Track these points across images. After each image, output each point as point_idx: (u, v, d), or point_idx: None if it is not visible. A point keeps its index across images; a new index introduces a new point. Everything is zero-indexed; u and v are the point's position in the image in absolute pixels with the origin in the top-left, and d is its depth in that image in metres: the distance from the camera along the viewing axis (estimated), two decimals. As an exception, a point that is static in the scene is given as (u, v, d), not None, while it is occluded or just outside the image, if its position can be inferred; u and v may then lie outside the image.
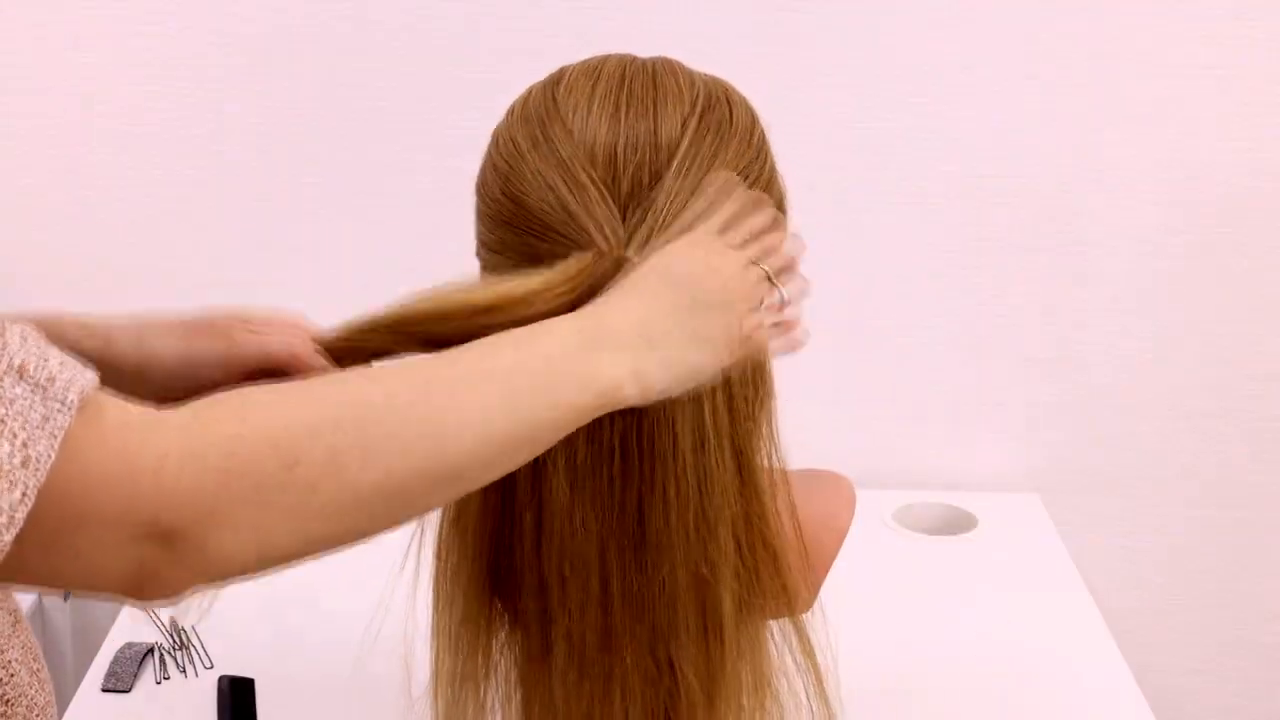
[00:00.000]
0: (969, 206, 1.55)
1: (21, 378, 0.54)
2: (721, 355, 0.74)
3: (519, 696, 0.88)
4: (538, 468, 0.79)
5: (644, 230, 0.78)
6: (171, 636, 1.28)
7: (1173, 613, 1.69)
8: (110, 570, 0.56)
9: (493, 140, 0.86)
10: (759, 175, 0.83)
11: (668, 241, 0.77)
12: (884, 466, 1.63)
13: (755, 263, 0.78)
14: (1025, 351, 1.60)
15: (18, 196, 1.54)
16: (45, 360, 0.55)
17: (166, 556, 0.56)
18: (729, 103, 0.84)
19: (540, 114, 0.83)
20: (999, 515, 1.57)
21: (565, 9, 1.48)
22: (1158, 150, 1.53)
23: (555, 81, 0.85)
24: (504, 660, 0.89)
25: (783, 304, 0.80)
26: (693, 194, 0.79)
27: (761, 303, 0.78)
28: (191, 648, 1.27)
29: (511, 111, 0.86)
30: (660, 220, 0.78)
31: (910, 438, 1.64)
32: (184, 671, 1.24)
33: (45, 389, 0.54)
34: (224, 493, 0.56)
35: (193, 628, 1.29)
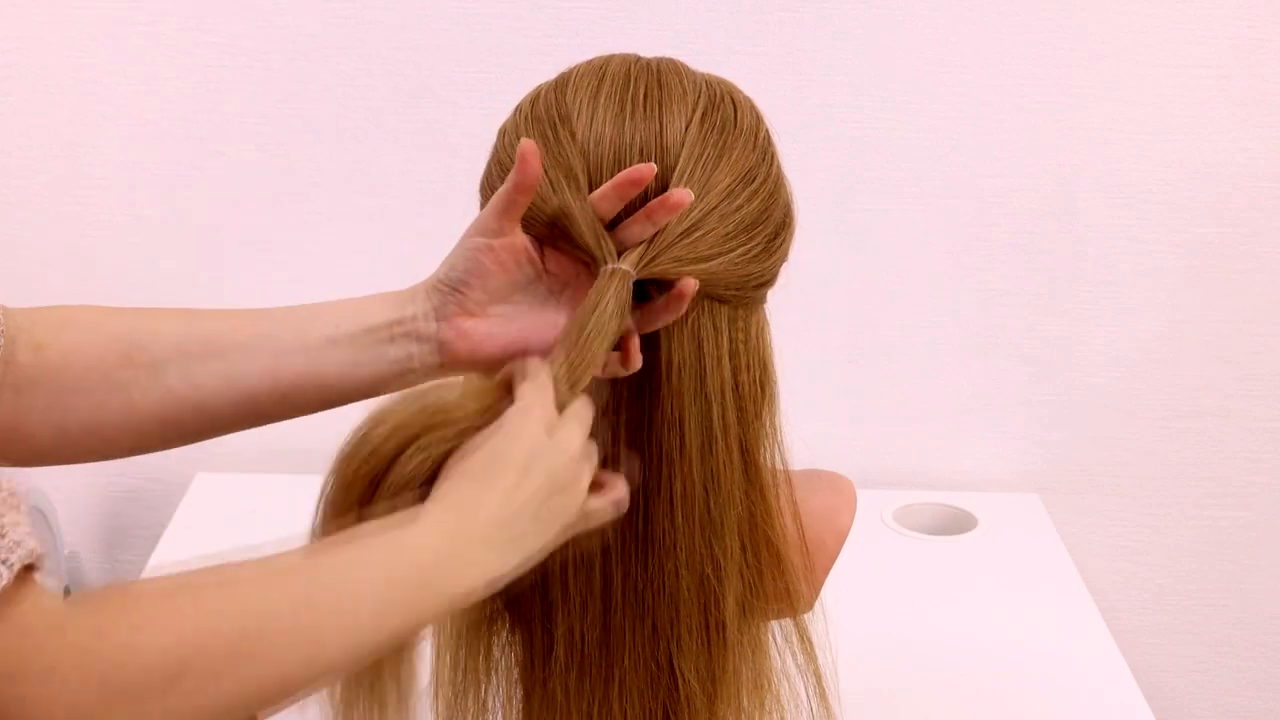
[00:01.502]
0: (969, 206, 1.55)
1: None
2: (560, 535, 0.74)
3: (519, 696, 0.88)
4: None
5: (647, 243, 0.78)
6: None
7: (1173, 612, 1.69)
8: None
9: (499, 137, 0.86)
10: (765, 177, 0.83)
11: (672, 252, 0.78)
12: (884, 466, 1.63)
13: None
14: (1025, 351, 1.60)
15: (16, 195, 1.54)
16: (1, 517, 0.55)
17: None
18: (734, 103, 0.84)
19: (547, 114, 0.83)
20: (999, 515, 1.57)
21: (565, 9, 1.48)
22: (1158, 150, 1.53)
23: (562, 82, 0.85)
24: (505, 660, 0.89)
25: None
26: (699, 196, 0.79)
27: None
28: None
29: (519, 110, 0.86)
30: (666, 230, 0.78)
31: (910, 438, 1.64)
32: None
33: None
34: (105, 710, 0.57)
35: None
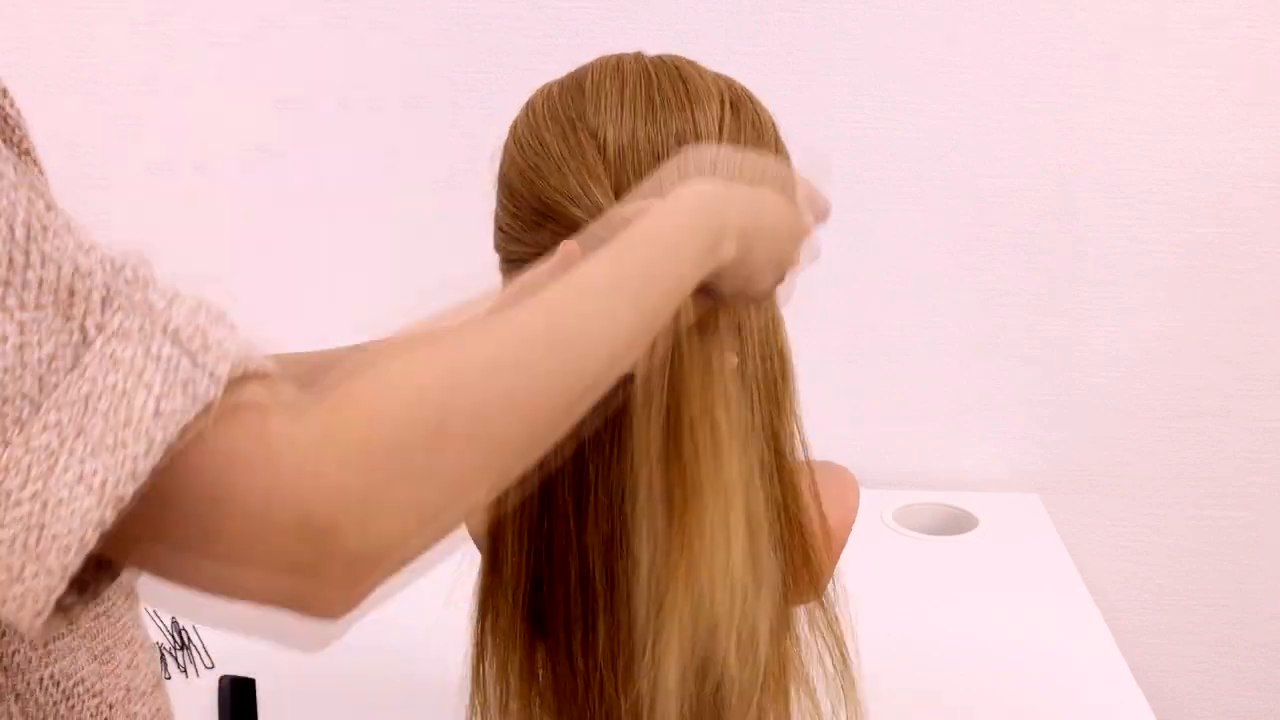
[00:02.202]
0: (969, 206, 1.55)
1: (174, 340, 0.52)
2: (775, 281, 0.77)
3: (555, 703, 0.88)
4: (581, 461, 0.81)
5: None
6: (173, 636, 1.28)
7: (1172, 612, 1.69)
8: (266, 575, 0.53)
9: (515, 141, 0.86)
10: (788, 175, 0.84)
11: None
12: (884, 466, 1.63)
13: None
14: (1025, 351, 1.60)
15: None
16: (204, 329, 0.53)
17: (319, 554, 0.53)
18: (752, 101, 0.85)
19: (570, 114, 0.83)
20: (999, 515, 1.57)
21: (565, 9, 1.48)
22: (1158, 150, 1.53)
23: (579, 81, 0.85)
24: (545, 670, 0.89)
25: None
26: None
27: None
28: (192, 647, 1.27)
29: (533, 110, 0.85)
30: None
31: (910, 438, 1.64)
32: (185, 671, 1.25)
33: (196, 356, 0.52)
34: (374, 475, 0.53)
35: (193, 627, 1.29)
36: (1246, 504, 1.65)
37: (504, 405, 0.57)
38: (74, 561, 0.50)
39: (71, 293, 0.52)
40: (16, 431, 0.50)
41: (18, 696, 0.63)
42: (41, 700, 0.64)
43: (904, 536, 1.52)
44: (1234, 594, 1.68)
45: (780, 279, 0.79)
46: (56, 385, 0.50)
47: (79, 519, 0.50)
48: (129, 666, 0.68)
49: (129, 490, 0.50)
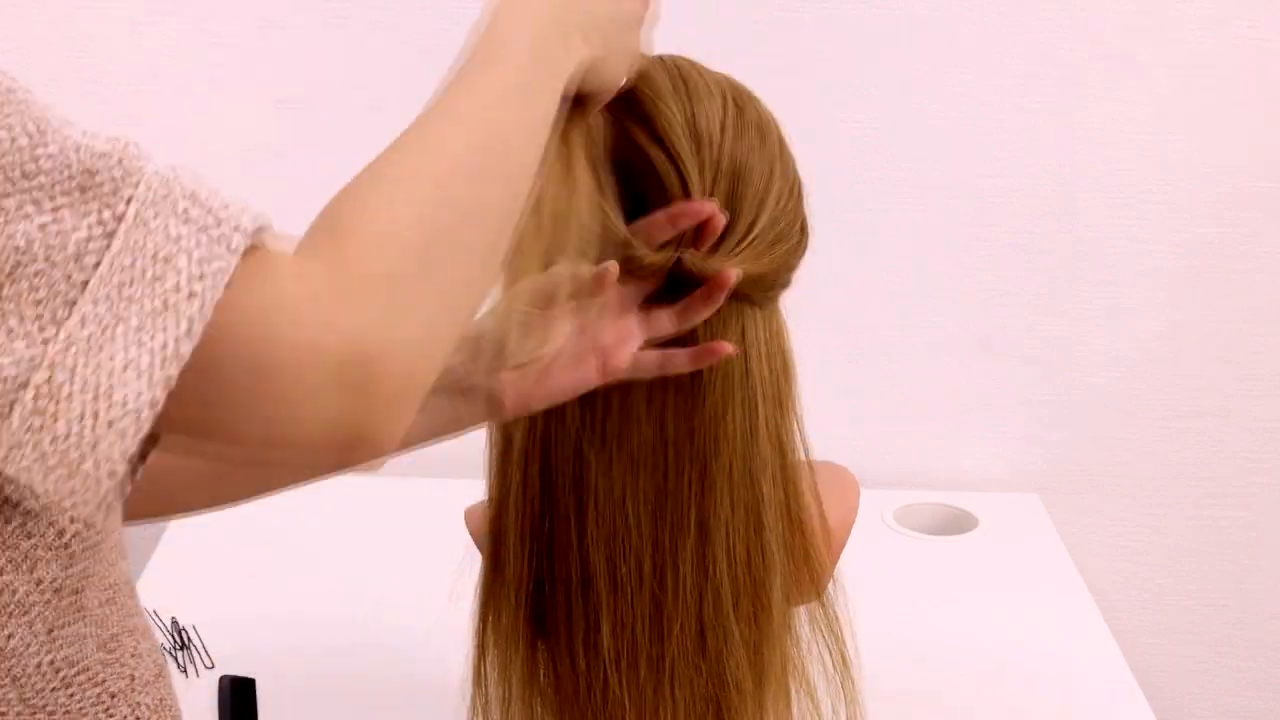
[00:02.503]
0: (969, 206, 1.55)
1: (184, 220, 0.54)
2: (629, 56, 0.79)
3: (556, 702, 0.88)
4: (582, 461, 0.82)
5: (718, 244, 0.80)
6: (173, 636, 1.28)
7: (1172, 612, 1.69)
8: (320, 407, 0.55)
9: None
10: (785, 170, 0.85)
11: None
12: (884, 466, 1.63)
13: None
14: (1025, 351, 1.60)
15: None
16: (209, 203, 0.56)
17: (373, 379, 0.56)
18: (754, 100, 0.86)
19: None
20: (999, 515, 1.57)
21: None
22: (1158, 150, 1.53)
23: None
24: (546, 668, 0.89)
25: None
26: (759, 194, 0.81)
27: None
28: (193, 648, 1.27)
29: None
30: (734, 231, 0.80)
31: (910, 438, 1.64)
32: (185, 672, 1.24)
33: (208, 230, 0.55)
34: (395, 298, 0.57)
35: (194, 627, 1.29)
36: (1246, 504, 1.65)
37: (467, 216, 0.62)
38: (131, 445, 0.52)
39: (84, 188, 0.53)
40: (55, 330, 0.51)
41: (14, 680, 0.62)
42: (40, 686, 0.64)
43: (904, 536, 1.52)
44: (1234, 594, 1.68)
45: (631, 66, 0.80)
46: (98, 264, 0.51)
47: (133, 403, 0.52)
48: (133, 655, 0.68)
49: (174, 369, 0.52)
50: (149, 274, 0.52)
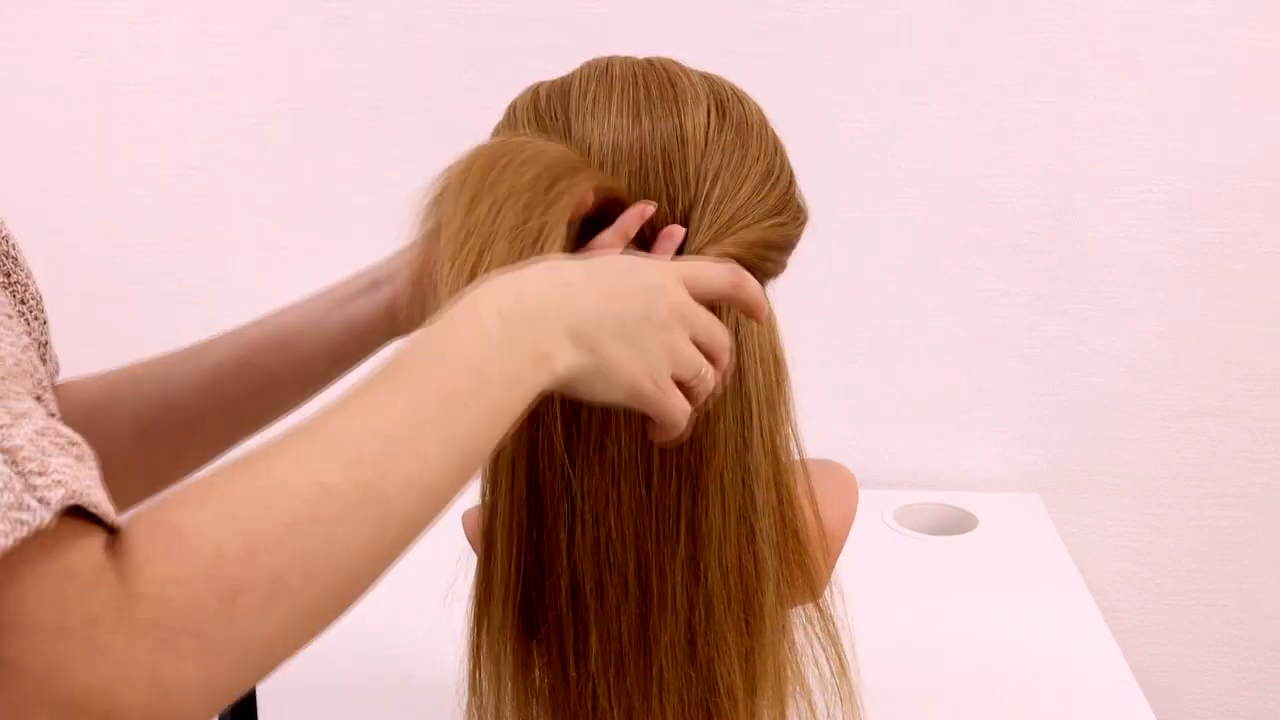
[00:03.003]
0: (969, 206, 1.55)
1: (8, 460, 0.48)
2: (656, 368, 0.67)
3: (550, 707, 0.88)
4: (568, 468, 0.81)
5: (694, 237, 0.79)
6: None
7: (1173, 612, 1.69)
8: None
9: (494, 138, 0.86)
10: (780, 171, 0.85)
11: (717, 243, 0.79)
12: (884, 466, 1.63)
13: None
14: (1025, 351, 1.60)
15: (17, 194, 1.54)
16: (45, 454, 0.49)
17: None
18: (740, 100, 0.85)
19: (561, 117, 0.83)
20: (999, 515, 1.57)
21: (566, 9, 1.48)
22: (1158, 150, 1.53)
23: (565, 84, 0.85)
24: (541, 671, 0.89)
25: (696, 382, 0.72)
26: (731, 195, 0.81)
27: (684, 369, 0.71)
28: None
29: (515, 116, 0.85)
30: (709, 221, 0.80)
31: (910, 438, 1.64)
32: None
33: (29, 477, 0.48)
34: (165, 651, 0.48)
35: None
36: (1246, 504, 1.65)
37: (304, 567, 0.51)
38: None
39: None
40: None
41: None
42: None
43: (904, 536, 1.52)
44: (1234, 594, 1.68)
45: (652, 374, 0.67)
46: None
47: None
48: None
49: None
50: None
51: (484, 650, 0.89)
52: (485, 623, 0.88)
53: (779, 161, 0.85)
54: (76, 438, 0.50)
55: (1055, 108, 1.52)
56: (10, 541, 0.45)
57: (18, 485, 0.47)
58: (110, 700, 0.47)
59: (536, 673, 0.89)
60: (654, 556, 0.82)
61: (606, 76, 0.83)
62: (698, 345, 0.70)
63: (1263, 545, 1.67)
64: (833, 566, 0.94)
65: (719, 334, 0.71)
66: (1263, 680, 1.72)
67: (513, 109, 0.86)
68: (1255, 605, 1.69)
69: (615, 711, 0.84)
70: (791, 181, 0.86)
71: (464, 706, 0.91)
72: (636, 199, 0.80)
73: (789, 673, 0.89)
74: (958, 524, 1.56)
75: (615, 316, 0.64)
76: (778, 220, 0.83)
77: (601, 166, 0.80)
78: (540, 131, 0.82)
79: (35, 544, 0.47)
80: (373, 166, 1.55)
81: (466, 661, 0.90)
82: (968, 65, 1.50)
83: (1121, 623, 1.62)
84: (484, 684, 0.89)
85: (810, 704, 0.90)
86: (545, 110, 0.83)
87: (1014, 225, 1.56)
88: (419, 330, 0.59)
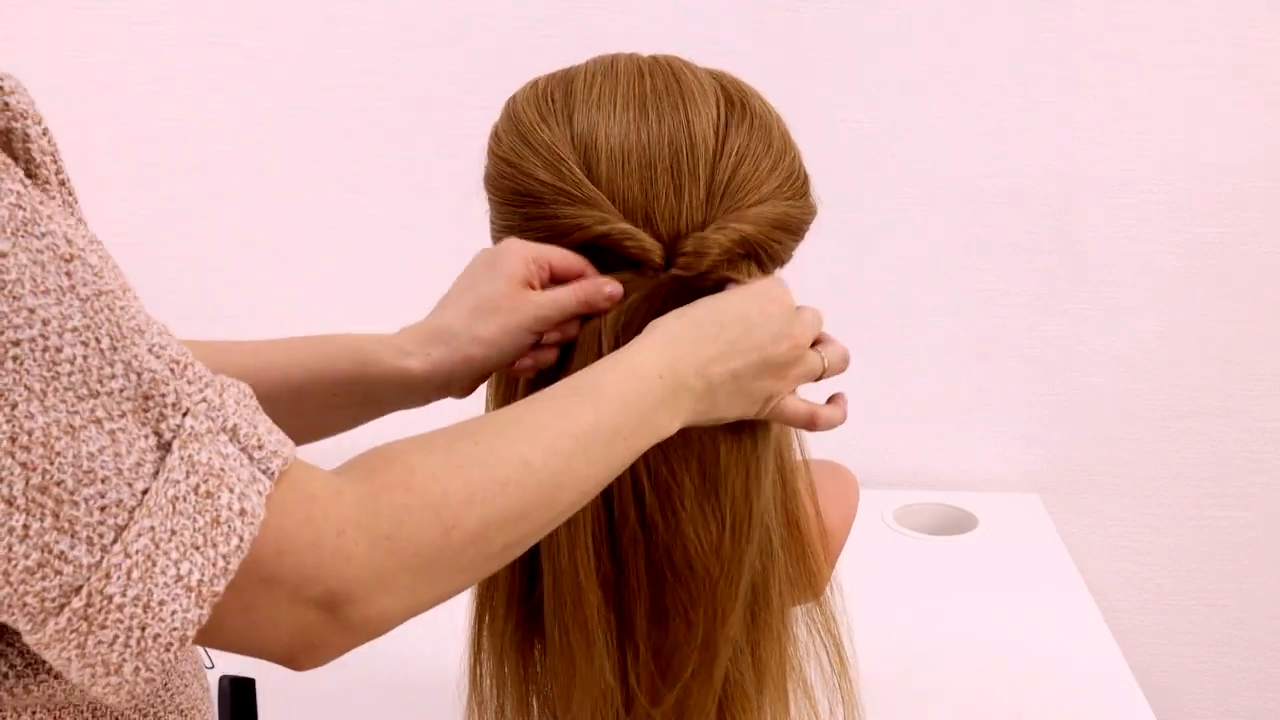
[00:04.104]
0: (969, 206, 1.55)
1: (233, 439, 0.57)
2: (750, 413, 0.79)
3: (553, 698, 0.88)
4: None
5: (695, 240, 0.80)
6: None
7: (1173, 612, 1.69)
8: (276, 634, 0.58)
9: (495, 137, 0.86)
10: (797, 168, 0.85)
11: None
12: (884, 466, 1.63)
13: (815, 348, 0.83)
14: (1025, 351, 1.60)
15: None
16: (255, 426, 0.58)
17: (329, 623, 0.59)
18: (753, 98, 0.85)
19: (562, 106, 0.82)
20: (999, 515, 1.57)
21: (566, 8, 1.48)
22: (1158, 150, 1.53)
23: (569, 78, 0.84)
24: (543, 670, 0.89)
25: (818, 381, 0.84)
26: (745, 191, 0.80)
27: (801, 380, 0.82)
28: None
29: (516, 106, 0.85)
30: (728, 205, 0.81)
31: (910, 438, 1.64)
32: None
33: (252, 453, 0.57)
34: (391, 561, 0.60)
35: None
36: (1246, 504, 1.65)
37: (500, 522, 0.64)
38: (174, 656, 0.54)
39: (147, 398, 0.54)
40: (113, 538, 0.52)
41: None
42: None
43: (904, 536, 1.52)
44: (1234, 594, 1.68)
45: (763, 411, 0.80)
46: (146, 490, 0.53)
47: (180, 618, 0.54)
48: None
49: (221, 586, 0.54)
50: (202, 489, 0.55)
51: (485, 646, 0.89)
52: (487, 618, 0.88)
53: (793, 155, 0.85)
54: (247, 388, 0.59)
55: (1055, 108, 1.52)
56: (263, 511, 0.56)
57: (248, 464, 0.57)
58: (343, 596, 0.58)
59: (537, 669, 0.89)
60: (662, 550, 0.82)
61: (612, 71, 0.83)
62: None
63: (1263, 545, 1.67)
64: (833, 566, 0.95)
65: (837, 350, 0.84)
66: (1263, 680, 1.72)
67: (512, 102, 0.86)
68: (1255, 605, 1.69)
69: (623, 703, 0.84)
70: (808, 178, 0.86)
71: (464, 702, 0.91)
72: (641, 198, 0.80)
73: (790, 667, 0.89)
74: (958, 524, 1.56)
75: (734, 377, 0.76)
76: (794, 204, 0.83)
77: (610, 164, 0.80)
78: (538, 118, 0.82)
79: (279, 488, 0.57)
80: (373, 166, 1.55)
81: (467, 657, 0.90)
82: (968, 65, 1.50)
83: (1121, 623, 1.62)
84: (485, 680, 0.89)
85: (812, 700, 0.90)
86: (548, 102, 0.83)
87: (1014, 225, 1.56)
88: (606, 360, 0.74)
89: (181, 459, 0.54)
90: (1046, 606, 1.39)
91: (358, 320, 1.57)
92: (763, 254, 0.83)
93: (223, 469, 0.55)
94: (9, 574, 0.52)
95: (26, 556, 0.51)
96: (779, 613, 0.86)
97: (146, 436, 0.54)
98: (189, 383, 0.56)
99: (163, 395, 0.55)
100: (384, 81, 1.52)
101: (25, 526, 0.51)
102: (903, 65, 1.50)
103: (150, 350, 0.55)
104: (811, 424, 0.82)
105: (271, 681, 1.22)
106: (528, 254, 0.80)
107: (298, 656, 0.60)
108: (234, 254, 1.58)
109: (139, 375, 0.54)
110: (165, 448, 0.54)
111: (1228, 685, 1.72)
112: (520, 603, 0.87)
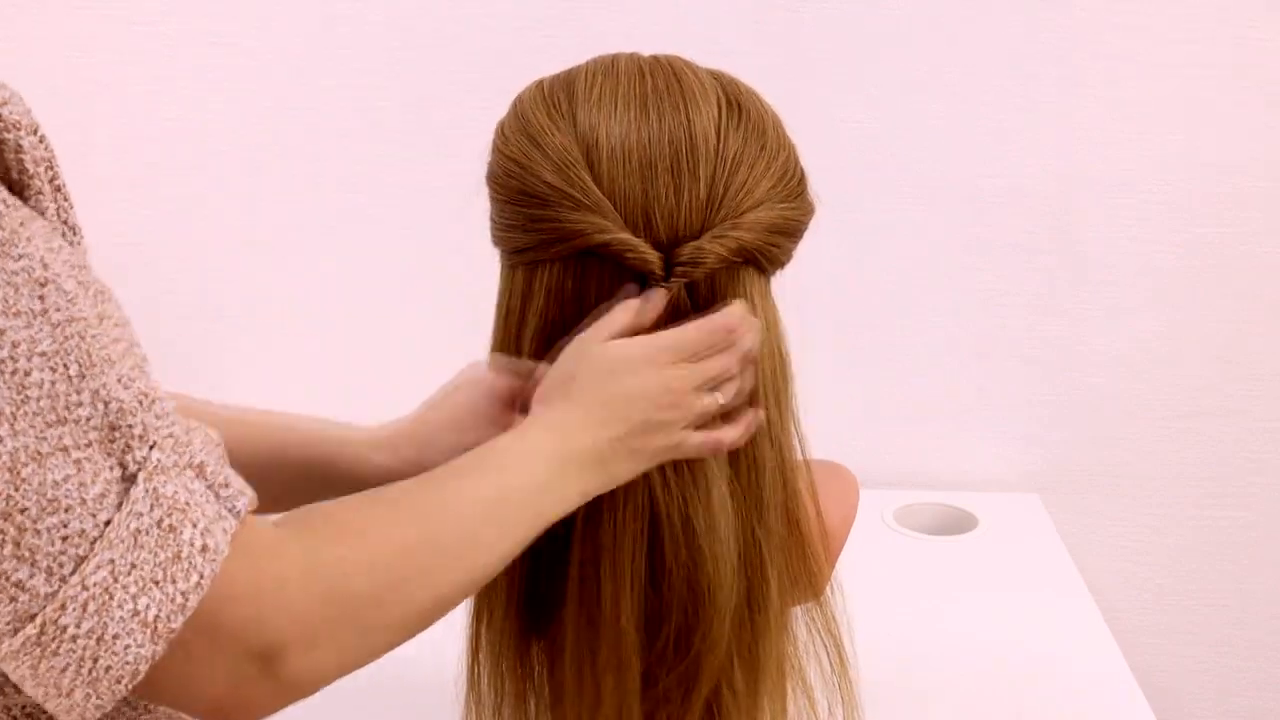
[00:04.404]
0: (969, 206, 1.55)
1: (199, 475, 0.57)
2: (645, 466, 0.80)
3: (551, 699, 0.88)
4: None
5: (693, 246, 0.80)
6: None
7: (1173, 612, 1.69)
8: (212, 687, 0.58)
9: (501, 136, 0.86)
10: (795, 170, 0.85)
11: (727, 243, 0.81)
12: (884, 466, 1.63)
13: (705, 386, 0.81)
14: (1025, 351, 1.60)
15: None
16: (221, 466, 0.58)
17: (263, 678, 0.58)
18: (751, 99, 0.85)
19: (556, 110, 0.83)
20: (999, 515, 1.57)
21: (567, 8, 1.48)
22: (1158, 150, 1.53)
23: (570, 78, 0.85)
24: (541, 669, 0.89)
25: (718, 410, 0.83)
26: (741, 196, 0.81)
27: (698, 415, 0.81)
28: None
29: (522, 106, 0.85)
30: (725, 211, 0.81)
31: (910, 438, 1.64)
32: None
33: (219, 491, 0.57)
34: (328, 615, 0.60)
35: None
36: (1246, 504, 1.65)
37: (426, 579, 0.66)
38: (125, 689, 0.54)
39: (113, 429, 0.54)
40: (72, 569, 0.52)
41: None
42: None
43: (904, 536, 1.52)
44: (1234, 594, 1.68)
45: (661, 459, 0.80)
46: (109, 521, 0.53)
47: (134, 653, 0.54)
48: None
49: (179, 623, 0.54)
50: (165, 523, 0.55)
51: (483, 646, 0.89)
52: (486, 618, 0.88)
53: (792, 157, 0.85)
54: (215, 434, 0.60)
55: (1055, 108, 1.52)
56: (227, 548, 0.56)
57: (214, 501, 0.57)
58: (279, 649, 0.58)
59: (536, 668, 0.89)
60: (661, 547, 0.82)
61: (613, 71, 0.83)
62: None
63: (1263, 545, 1.67)
64: (834, 566, 0.95)
65: (717, 368, 0.80)
66: (1263, 680, 1.72)
67: (519, 102, 0.86)
68: (1255, 605, 1.69)
69: (620, 702, 0.84)
70: (803, 176, 0.86)
71: (462, 702, 0.91)
72: (642, 198, 0.80)
73: (789, 667, 0.89)
74: (958, 524, 1.56)
75: (617, 443, 0.77)
76: (790, 206, 0.83)
77: (611, 163, 0.80)
78: (548, 120, 0.82)
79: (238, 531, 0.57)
80: (373, 166, 1.55)
81: (465, 656, 0.90)
82: (968, 65, 1.50)
83: (1121, 623, 1.62)
84: (483, 680, 0.89)
85: (811, 700, 0.90)
86: (551, 103, 0.83)
87: (1014, 225, 1.56)
88: (503, 438, 0.76)
89: (146, 491, 0.54)
90: (1046, 606, 1.39)
91: (357, 320, 1.57)
92: (761, 259, 0.83)
93: (188, 503, 0.55)
94: None
95: None
96: (777, 614, 0.86)
97: (111, 468, 0.54)
98: (157, 416, 0.56)
99: (129, 426, 0.55)
100: (384, 81, 1.52)
101: None
102: (903, 65, 1.50)
103: (119, 381, 0.55)
104: (718, 450, 0.82)
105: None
106: (509, 384, 0.84)
107: (230, 715, 0.59)
108: (234, 254, 1.58)
109: (106, 405, 0.54)
110: (130, 479, 0.54)
111: (1228, 685, 1.72)
112: (519, 603, 0.87)
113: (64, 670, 0.53)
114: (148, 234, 1.56)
